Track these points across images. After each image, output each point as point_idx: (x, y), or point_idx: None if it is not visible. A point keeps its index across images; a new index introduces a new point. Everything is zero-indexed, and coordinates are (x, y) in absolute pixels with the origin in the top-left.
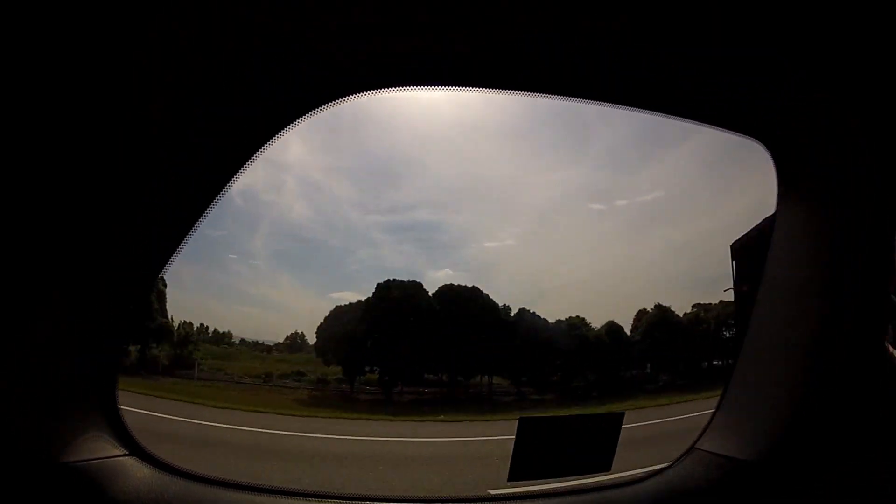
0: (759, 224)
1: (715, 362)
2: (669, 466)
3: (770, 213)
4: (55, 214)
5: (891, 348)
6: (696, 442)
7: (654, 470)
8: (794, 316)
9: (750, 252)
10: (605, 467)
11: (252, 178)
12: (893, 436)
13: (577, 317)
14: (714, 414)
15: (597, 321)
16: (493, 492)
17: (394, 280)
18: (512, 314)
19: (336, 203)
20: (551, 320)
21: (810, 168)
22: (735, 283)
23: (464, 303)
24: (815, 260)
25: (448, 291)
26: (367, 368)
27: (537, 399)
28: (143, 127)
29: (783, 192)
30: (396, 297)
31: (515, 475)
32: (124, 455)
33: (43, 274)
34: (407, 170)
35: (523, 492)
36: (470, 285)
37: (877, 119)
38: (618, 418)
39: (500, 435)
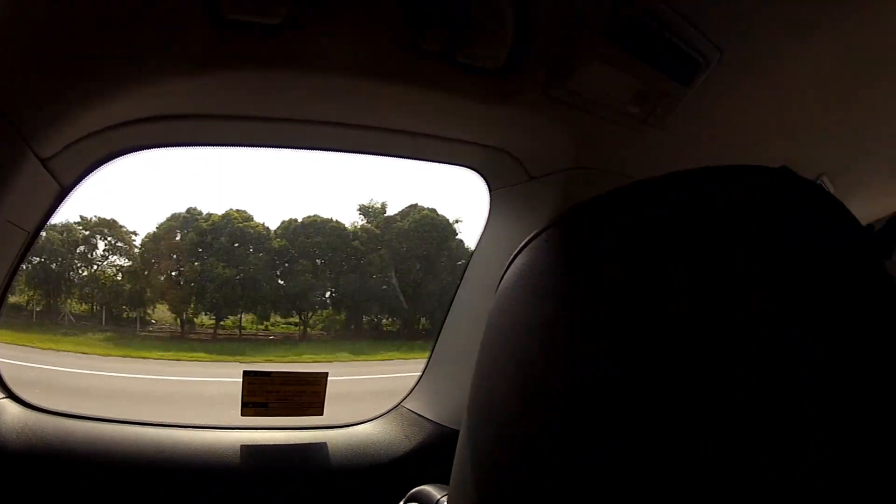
0: None
1: None
2: (376, 417)
3: None
4: None
5: None
6: (403, 400)
7: (363, 420)
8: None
9: None
10: (319, 412)
11: None
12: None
13: None
14: (421, 376)
15: None
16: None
17: None
18: None
19: None
20: None
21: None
22: None
23: None
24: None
25: None
26: None
27: None
28: None
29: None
30: None
31: (246, 412)
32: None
33: None
34: None
35: (252, 424)
36: None
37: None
38: (323, 375)
39: None
